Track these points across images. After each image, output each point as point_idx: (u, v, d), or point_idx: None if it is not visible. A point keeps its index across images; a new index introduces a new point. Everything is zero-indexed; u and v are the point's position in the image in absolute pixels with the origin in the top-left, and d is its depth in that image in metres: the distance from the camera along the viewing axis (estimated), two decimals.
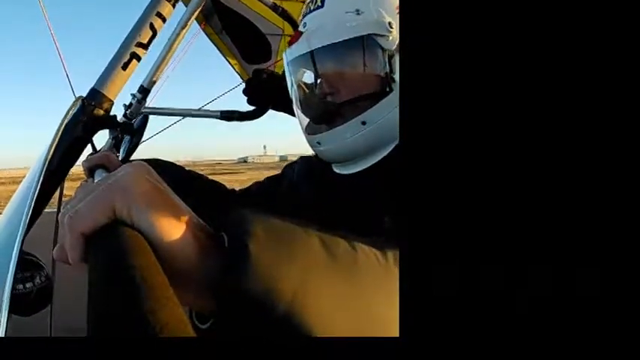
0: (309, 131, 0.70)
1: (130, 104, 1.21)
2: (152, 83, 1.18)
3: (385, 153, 0.65)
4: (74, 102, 0.72)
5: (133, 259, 0.23)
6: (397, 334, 0.26)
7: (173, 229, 0.27)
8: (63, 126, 0.69)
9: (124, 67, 0.74)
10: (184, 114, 1.23)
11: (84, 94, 0.74)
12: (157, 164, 0.87)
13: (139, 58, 0.76)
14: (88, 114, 0.73)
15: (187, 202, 0.31)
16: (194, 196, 0.39)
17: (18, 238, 0.43)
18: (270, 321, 0.26)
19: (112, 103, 0.75)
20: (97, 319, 0.21)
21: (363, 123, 0.62)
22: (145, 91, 1.20)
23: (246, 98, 1.31)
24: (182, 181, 0.87)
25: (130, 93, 1.24)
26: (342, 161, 0.69)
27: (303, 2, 1.50)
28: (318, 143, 0.67)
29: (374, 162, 0.66)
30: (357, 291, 0.31)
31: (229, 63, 1.69)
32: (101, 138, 1.37)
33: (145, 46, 0.76)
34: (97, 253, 0.26)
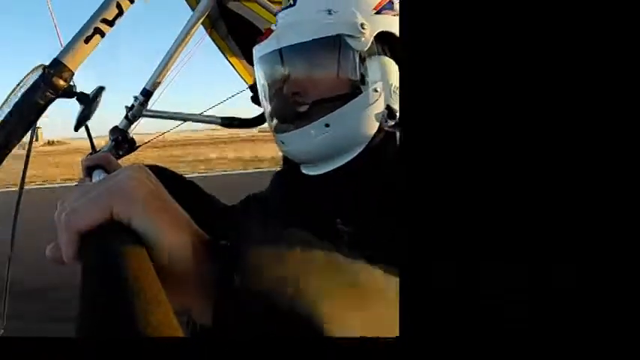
0: (275, 130, 0.67)
1: (132, 106, 1.29)
2: (155, 86, 1.25)
3: (352, 156, 0.63)
4: (34, 68, 0.76)
5: (126, 260, 0.24)
6: (394, 333, 0.27)
7: (171, 233, 0.28)
8: (21, 90, 0.73)
9: (87, 40, 0.78)
10: (185, 118, 1.27)
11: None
12: (155, 170, 0.89)
13: (102, 34, 0.79)
14: (48, 81, 0.76)
15: (184, 207, 0.31)
16: (190, 203, 0.39)
17: None
18: (272, 321, 0.26)
19: (72, 74, 0.79)
20: (88, 319, 0.22)
21: (327, 125, 0.60)
22: (147, 93, 1.27)
23: (250, 95, 1.34)
24: (179, 189, 0.87)
25: (132, 95, 1.33)
26: (306, 162, 0.68)
27: None
28: (282, 143, 0.65)
29: (340, 164, 0.64)
30: (353, 288, 0.31)
31: (234, 68, 1.69)
32: (101, 139, 1.45)
33: (110, 23, 0.80)
34: (91, 252, 0.26)
